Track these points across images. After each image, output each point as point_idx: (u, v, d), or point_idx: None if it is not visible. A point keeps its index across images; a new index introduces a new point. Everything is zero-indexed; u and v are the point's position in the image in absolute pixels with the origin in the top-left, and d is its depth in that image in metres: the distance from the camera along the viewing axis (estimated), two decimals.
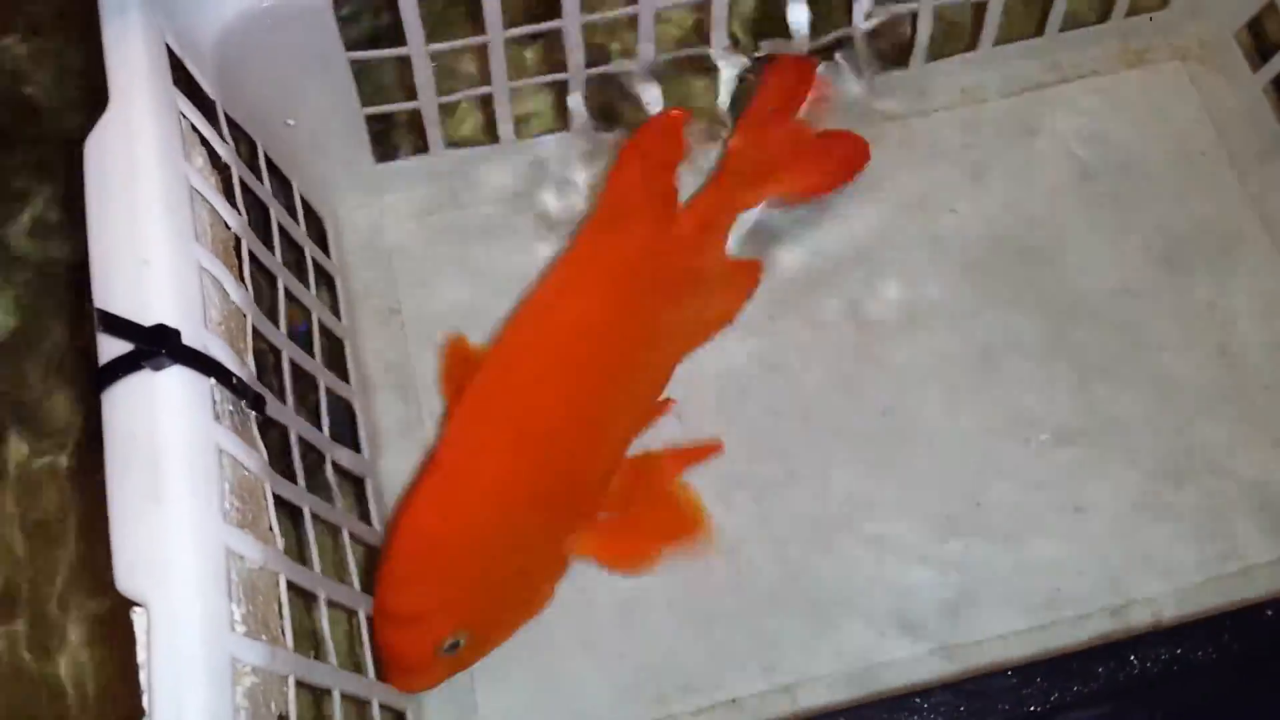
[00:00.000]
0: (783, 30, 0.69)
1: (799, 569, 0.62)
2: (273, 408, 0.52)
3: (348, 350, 0.65)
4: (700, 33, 0.71)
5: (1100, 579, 0.61)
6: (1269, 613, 0.42)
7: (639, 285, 0.62)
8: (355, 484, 0.62)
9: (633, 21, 0.66)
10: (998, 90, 0.73)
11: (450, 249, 0.69)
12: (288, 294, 0.58)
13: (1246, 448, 0.64)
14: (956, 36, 0.73)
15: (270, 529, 0.49)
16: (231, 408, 0.49)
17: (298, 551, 0.52)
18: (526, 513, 0.57)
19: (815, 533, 0.62)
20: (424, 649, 0.54)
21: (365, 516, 0.61)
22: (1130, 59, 0.74)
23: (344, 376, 0.64)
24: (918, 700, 0.39)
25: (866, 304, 0.68)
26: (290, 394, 0.55)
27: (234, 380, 0.48)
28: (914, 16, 0.70)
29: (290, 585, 0.49)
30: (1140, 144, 0.72)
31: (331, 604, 0.52)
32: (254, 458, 0.48)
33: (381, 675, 0.55)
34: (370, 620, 0.56)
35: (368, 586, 0.58)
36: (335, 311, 0.65)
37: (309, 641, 0.52)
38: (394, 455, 0.64)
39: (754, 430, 0.64)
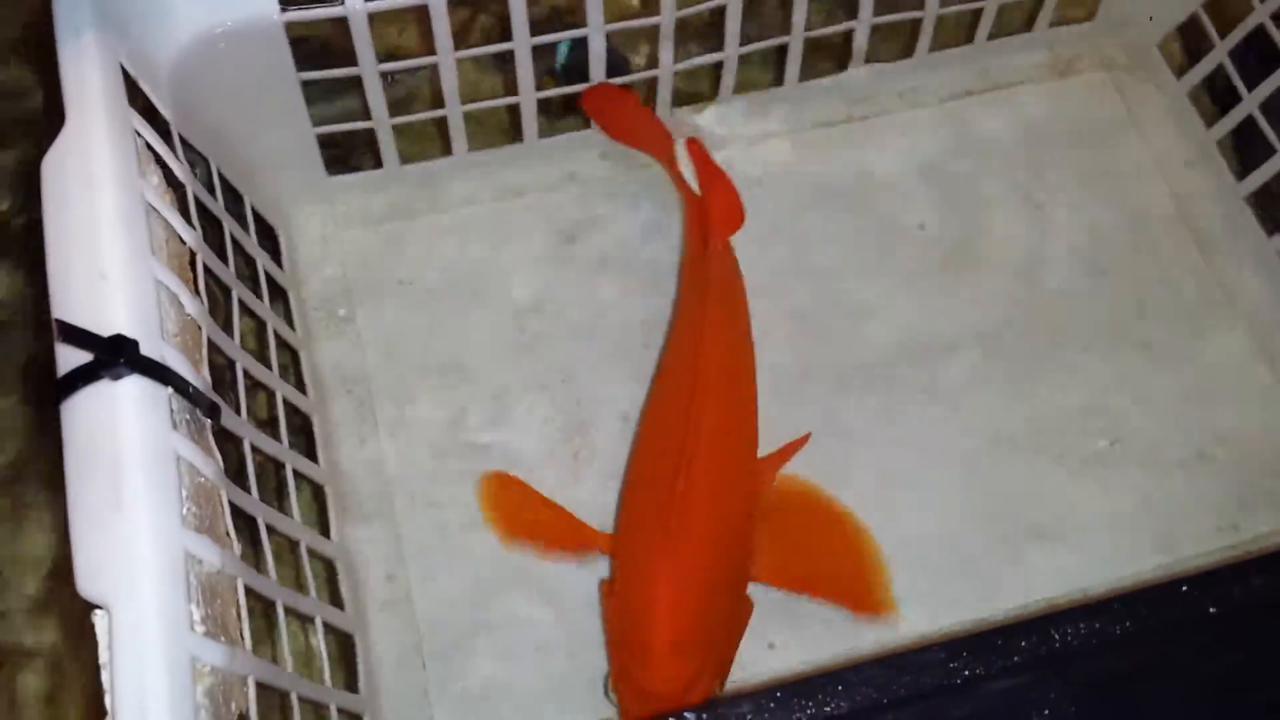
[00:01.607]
0: None
1: None
2: (228, 417, 0.53)
3: (303, 360, 0.66)
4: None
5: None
6: (1184, 588, 0.44)
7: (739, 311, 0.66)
8: (315, 491, 0.63)
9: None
10: (934, 96, 0.76)
11: (403, 259, 0.71)
12: (242, 306, 0.59)
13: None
14: (895, 41, 0.76)
15: (227, 533, 0.50)
16: (189, 416, 0.50)
17: (254, 556, 0.53)
18: (731, 553, 0.59)
19: None
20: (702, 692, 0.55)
21: (324, 524, 0.62)
22: (1059, 68, 0.77)
23: (301, 386, 0.65)
24: (848, 674, 0.40)
25: (815, 299, 0.70)
26: (244, 403, 0.56)
27: (190, 389, 0.49)
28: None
29: (248, 590, 0.50)
30: (1067, 150, 0.75)
31: (289, 610, 0.54)
32: (210, 465, 0.50)
33: None
34: None
35: (326, 592, 0.60)
36: (290, 323, 0.67)
37: (268, 644, 0.53)
38: (350, 462, 0.65)
39: None
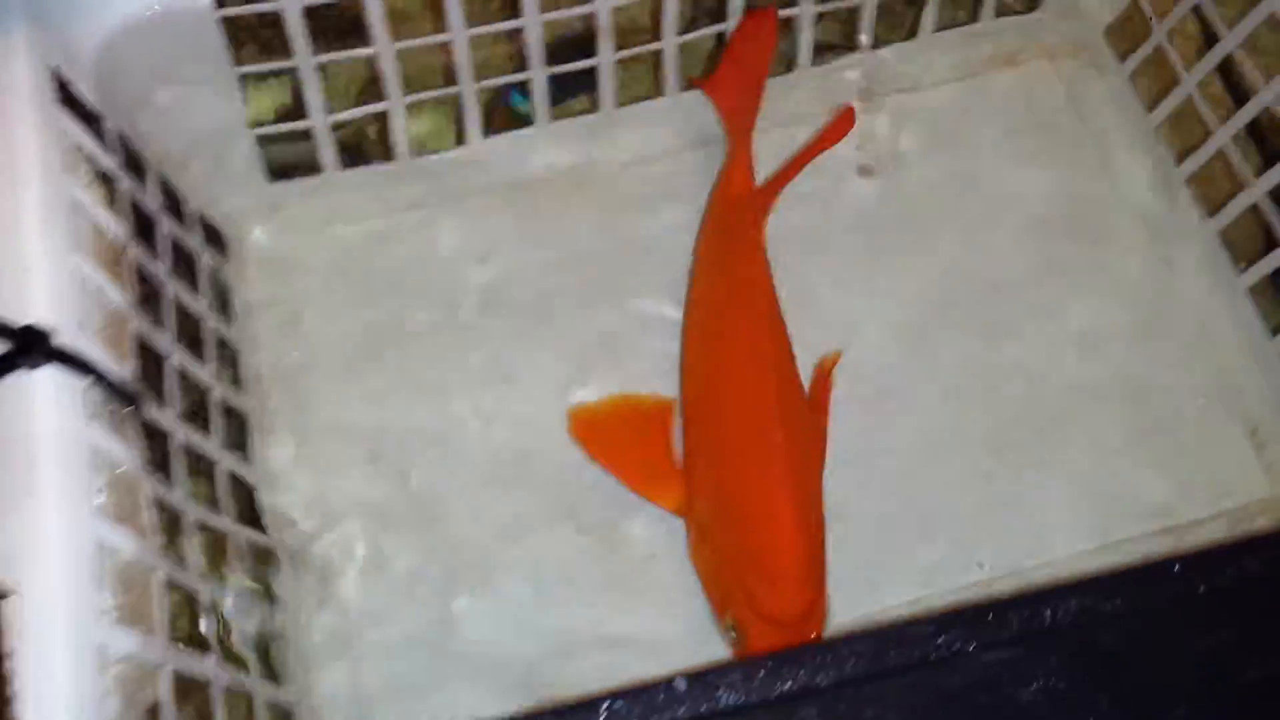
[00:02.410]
0: None
1: None
2: (153, 409, 0.53)
3: (242, 360, 0.66)
4: None
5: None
6: (1176, 567, 0.44)
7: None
8: (246, 491, 0.63)
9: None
10: (877, 89, 0.76)
11: (349, 260, 0.71)
12: (176, 302, 0.60)
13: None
14: (841, 37, 0.76)
15: (146, 525, 0.50)
16: (110, 408, 0.50)
17: (177, 549, 0.53)
18: (812, 482, 0.62)
19: None
20: (821, 630, 0.57)
21: (255, 521, 0.62)
22: (1002, 59, 0.77)
23: (238, 384, 0.65)
24: (839, 645, 0.41)
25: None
26: (176, 397, 0.56)
27: (109, 381, 0.49)
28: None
29: (170, 580, 0.50)
30: (1012, 139, 0.75)
31: (214, 602, 0.54)
32: (130, 456, 0.50)
33: None
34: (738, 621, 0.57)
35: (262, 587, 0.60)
36: (230, 321, 0.67)
37: (190, 635, 0.53)
38: (285, 461, 0.65)
39: None
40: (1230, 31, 0.68)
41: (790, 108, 0.74)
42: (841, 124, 0.74)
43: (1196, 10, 0.70)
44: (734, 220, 0.69)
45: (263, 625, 0.58)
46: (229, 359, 0.66)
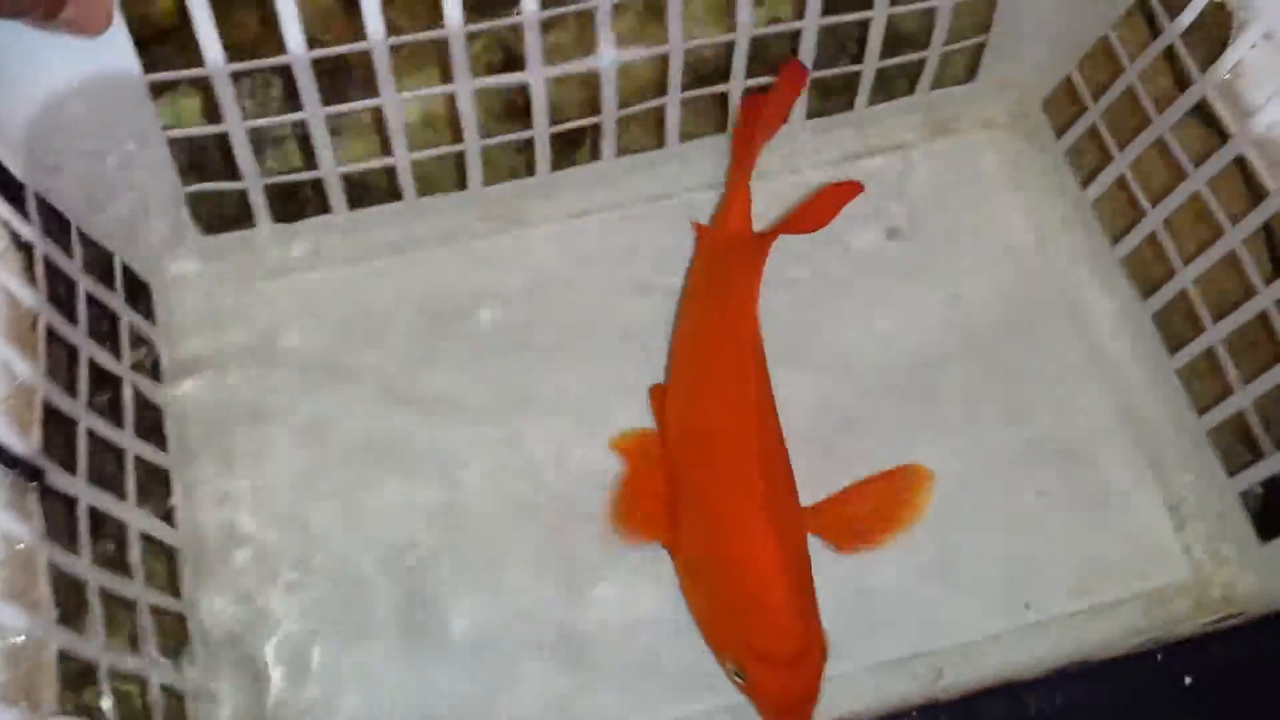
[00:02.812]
0: None
1: None
2: (59, 479, 0.54)
3: (167, 419, 0.67)
4: None
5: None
6: (1159, 656, 0.45)
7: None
8: (168, 554, 0.63)
9: None
10: (811, 162, 0.76)
11: (280, 316, 0.71)
12: (93, 365, 0.60)
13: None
14: None
15: (40, 600, 0.50)
16: (11, 479, 0.51)
17: (79, 622, 0.53)
18: (797, 519, 0.63)
19: None
20: (822, 661, 0.58)
21: (174, 585, 0.63)
22: (937, 129, 0.78)
23: (163, 443, 0.66)
24: None
25: None
26: (86, 465, 0.57)
27: (8, 456, 0.50)
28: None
29: (66, 654, 0.50)
30: (946, 212, 0.75)
31: (116, 673, 0.54)
32: (27, 529, 0.50)
33: None
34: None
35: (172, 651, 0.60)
36: (158, 379, 0.67)
37: (86, 709, 0.53)
38: (209, 523, 0.65)
39: None
40: (1160, 115, 0.68)
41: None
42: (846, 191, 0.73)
43: (1130, 91, 0.70)
44: (727, 261, 0.70)
45: (169, 708, 0.58)
46: (152, 420, 0.66)
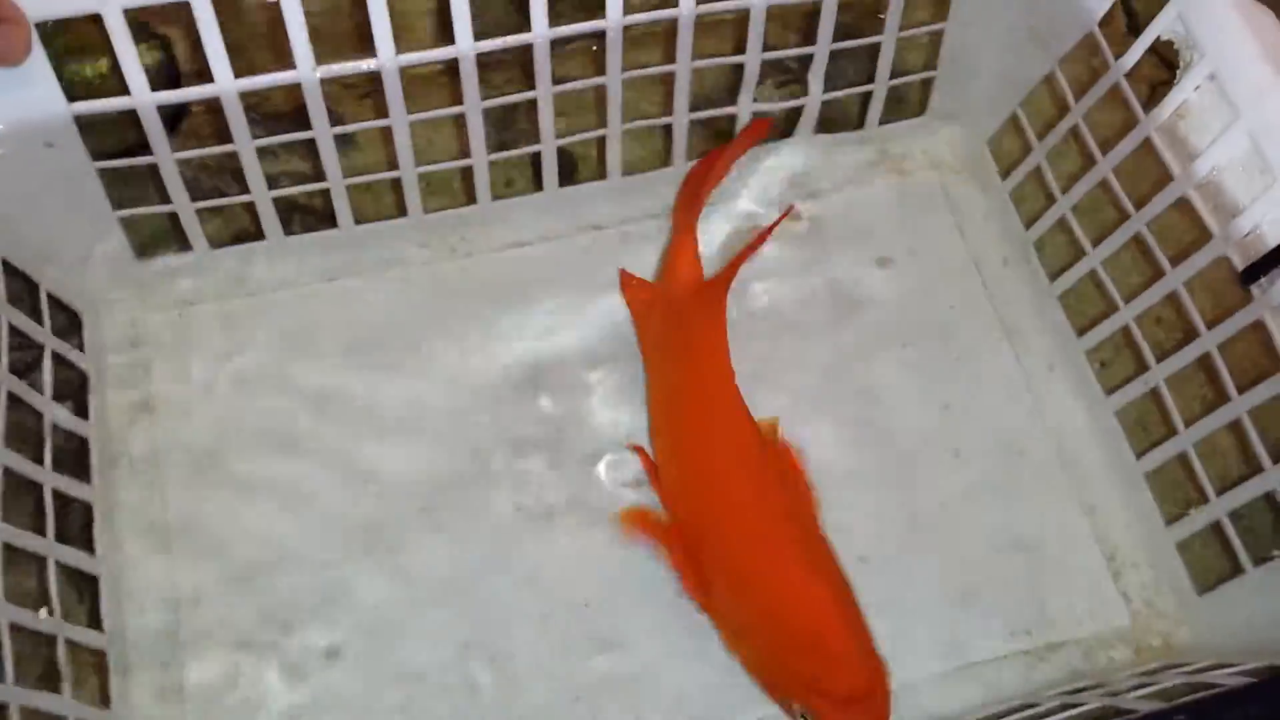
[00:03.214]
0: None
1: None
2: None
3: (93, 448, 0.66)
4: None
5: None
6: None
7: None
8: (89, 583, 0.62)
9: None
10: (756, 198, 0.76)
11: (213, 343, 0.70)
12: (12, 397, 0.59)
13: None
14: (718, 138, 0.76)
15: None
16: None
17: None
18: (825, 546, 0.63)
19: None
20: (890, 702, 0.57)
21: (95, 617, 0.62)
22: (888, 167, 0.77)
23: (86, 474, 0.64)
24: None
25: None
26: None
27: None
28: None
29: None
30: (892, 250, 0.75)
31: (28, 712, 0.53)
32: None
33: None
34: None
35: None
36: (84, 409, 0.66)
37: None
38: (136, 552, 0.64)
39: None
40: (1105, 156, 0.68)
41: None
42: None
43: (1075, 131, 0.70)
44: (687, 314, 0.69)
45: None
46: (75, 450, 0.65)
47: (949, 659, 0.64)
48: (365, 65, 0.63)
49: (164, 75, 0.69)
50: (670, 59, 0.69)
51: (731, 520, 0.62)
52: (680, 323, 0.69)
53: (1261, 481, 0.60)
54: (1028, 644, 0.64)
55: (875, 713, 0.57)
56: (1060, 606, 0.65)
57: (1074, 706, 0.55)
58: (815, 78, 0.73)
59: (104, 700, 0.59)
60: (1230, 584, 0.62)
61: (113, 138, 0.65)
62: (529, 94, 0.67)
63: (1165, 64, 0.67)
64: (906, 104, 0.77)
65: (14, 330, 0.61)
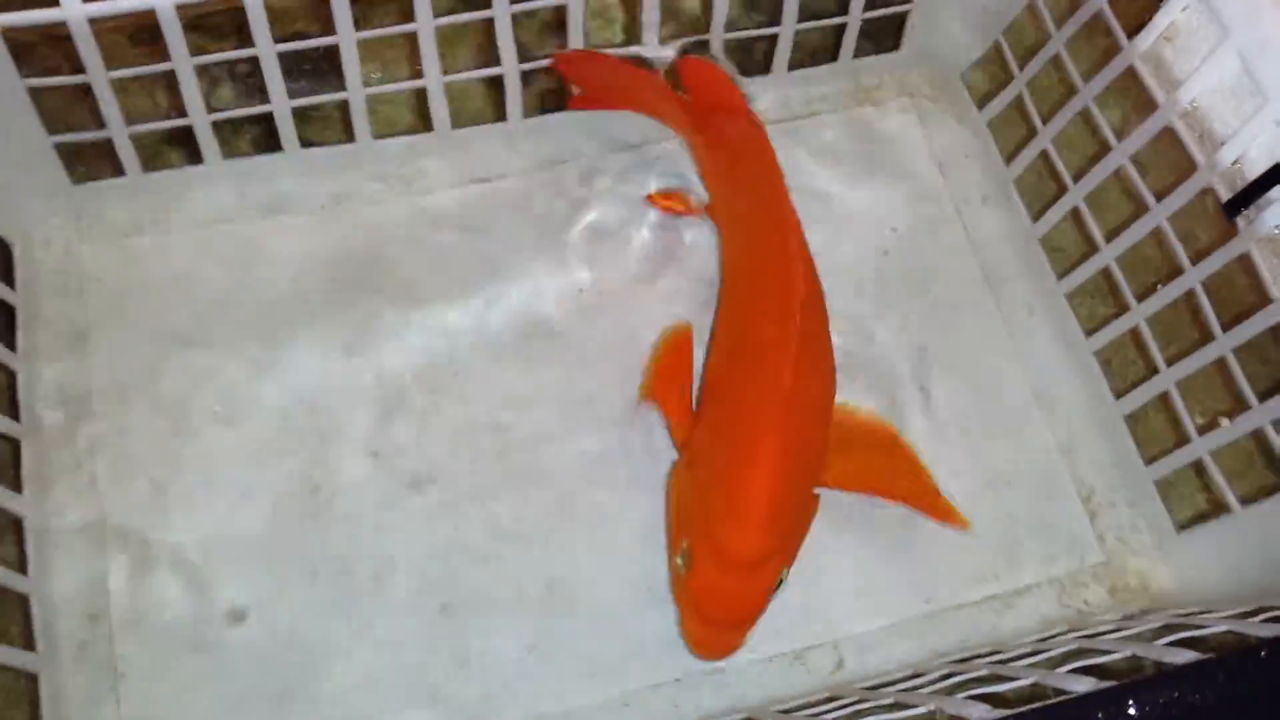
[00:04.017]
0: None
1: None
2: None
3: (20, 381, 0.62)
4: None
5: None
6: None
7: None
8: (14, 524, 0.59)
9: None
10: None
11: (150, 274, 0.66)
12: None
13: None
14: None
15: None
16: None
17: None
18: (817, 446, 0.60)
19: None
20: (767, 588, 0.55)
21: (21, 561, 0.58)
22: (860, 97, 0.74)
23: (13, 409, 0.61)
24: None
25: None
26: None
27: None
28: None
29: None
30: (867, 180, 0.72)
31: None
32: None
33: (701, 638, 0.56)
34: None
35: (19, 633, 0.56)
36: (12, 341, 0.63)
37: None
38: (62, 491, 0.61)
39: None
40: (1085, 85, 0.65)
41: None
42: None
43: (1056, 60, 0.67)
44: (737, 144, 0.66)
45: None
46: (7, 382, 0.62)
47: (915, 605, 0.62)
48: None
49: None
50: None
51: (748, 351, 0.61)
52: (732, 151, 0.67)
53: (1246, 420, 0.58)
54: (999, 588, 0.62)
55: (740, 591, 0.55)
56: (1034, 546, 0.63)
57: (1045, 650, 0.52)
58: (789, 10, 0.70)
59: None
60: (1211, 523, 0.60)
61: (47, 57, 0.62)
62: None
63: None
64: (882, 38, 0.75)
65: None
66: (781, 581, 0.56)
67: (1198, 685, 0.41)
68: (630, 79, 0.70)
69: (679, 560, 0.56)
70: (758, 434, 0.57)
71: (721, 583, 0.55)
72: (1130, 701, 0.40)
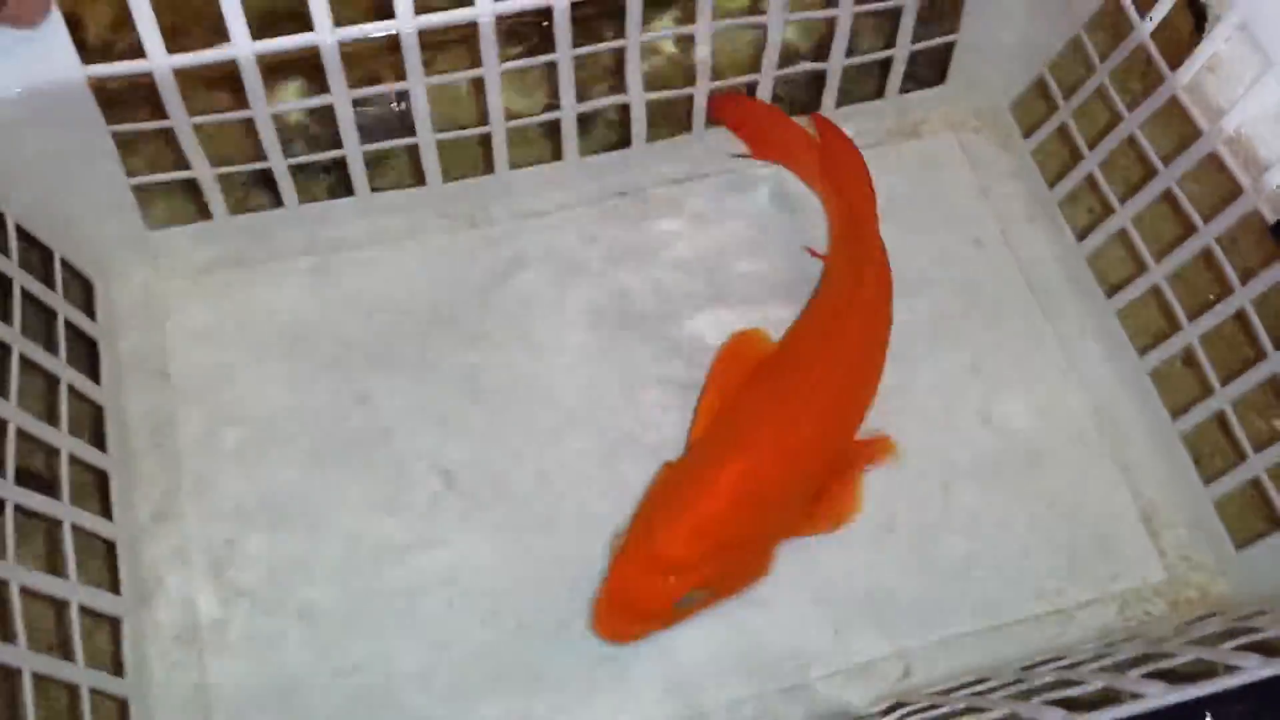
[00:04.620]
0: None
1: None
2: None
3: (108, 416, 0.64)
4: None
5: None
6: None
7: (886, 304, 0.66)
8: (108, 550, 0.61)
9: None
10: None
11: (227, 313, 0.69)
12: (25, 360, 0.58)
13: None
14: None
15: None
16: None
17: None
18: (783, 502, 0.60)
19: None
20: (671, 595, 0.56)
21: (115, 584, 0.60)
22: (906, 130, 0.77)
23: (101, 443, 0.63)
24: None
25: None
26: (11, 460, 0.55)
27: None
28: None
29: None
30: (913, 211, 0.74)
31: (41, 678, 0.52)
32: None
33: (598, 612, 0.57)
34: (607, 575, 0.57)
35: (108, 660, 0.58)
36: (97, 376, 0.65)
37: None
38: (151, 519, 0.63)
39: None
40: (1130, 114, 0.67)
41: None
42: None
43: (1100, 91, 0.69)
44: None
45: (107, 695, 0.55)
46: (95, 416, 0.64)
47: (981, 618, 0.62)
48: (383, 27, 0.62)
49: None
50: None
51: (775, 378, 0.62)
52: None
53: None
54: (1061, 603, 0.63)
55: (643, 583, 0.56)
56: (1096, 565, 0.64)
57: (1110, 655, 0.53)
58: (837, 47, 0.72)
59: None
60: (1271, 538, 0.61)
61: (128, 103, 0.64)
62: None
63: (1194, 18, 0.66)
64: (927, 72, 0.77)
65: (28, 297, 0.60)
66: (691, 600, 0.56)
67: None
68: (784, 131, 0.72)
69: (617, 537, 0.58)
70: (735, 458, 0.58)
71: (629, 568, 0.56)
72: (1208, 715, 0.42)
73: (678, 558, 0.56)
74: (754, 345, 0.67)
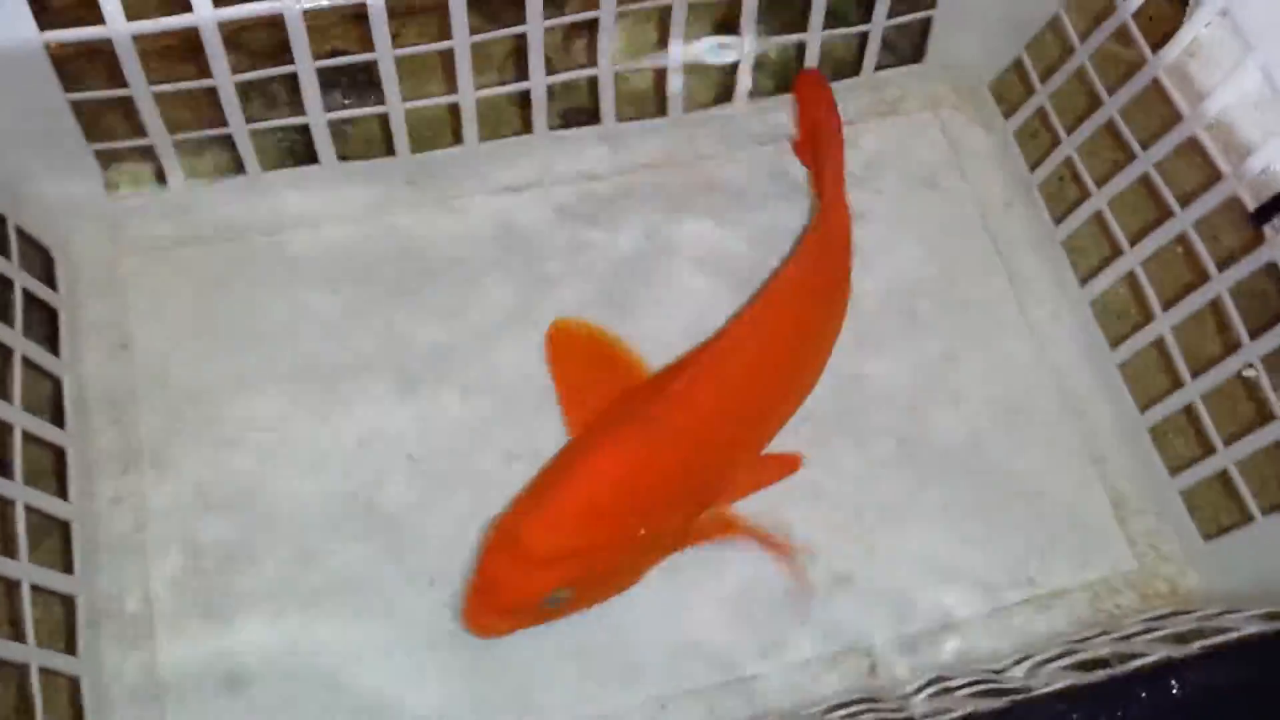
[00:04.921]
0: None
1: None
2: None
3: (66, 386, 0.63)
4: None
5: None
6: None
7: (825, 309, 0.65)
8: (61, 528, 0.60)
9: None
10: (754, 138, 0.74)
11: (189, 283, 0.68)
12: None
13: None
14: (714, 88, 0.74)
15: None
16: None
17: None
18: (672, 507, 0.57)
19: None
20: (536, 591, 0.53)
21: (68, 562, 0.59)
22: (883, 109, 0.75)
23: (59, 415, 0.62)
24: None
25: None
26: None
27: None
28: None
29: None
30: (891, 189, 0.73)
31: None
32: None
33: (465, 599, 0.56)
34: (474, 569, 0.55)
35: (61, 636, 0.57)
36: (55, 346, 0.64)
37: None
38: (110, 495, 0.62)
39: None
40: (1110, 97, 0.66)
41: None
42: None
43: (1080, 72, 0.68)
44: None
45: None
46: (52, 388, 0.63)
47: (953, 608, 0.62)
48: None
49: None
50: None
51: (673, 379, 0.59)
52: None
53: (1273, 430, 0.58)
54: (1031, 592, 0.63)
55: (505, 574, 0.53)
56: (1067, 553, 0.64)
57: (1079, 652, 0.53)
58: (815, 20, 0.71)
59: None
60: (1238, 532, 0.60)
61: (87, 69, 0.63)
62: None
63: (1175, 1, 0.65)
64: (903, 49, 0.76)
65: None
66: (555, 600, 0.54)
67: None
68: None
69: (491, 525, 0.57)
70: (612, 444, 0.56)
71: (492, 556, 0.54)
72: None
73: (542, 550, 0.53)
74: (576, 334, 0.65)
